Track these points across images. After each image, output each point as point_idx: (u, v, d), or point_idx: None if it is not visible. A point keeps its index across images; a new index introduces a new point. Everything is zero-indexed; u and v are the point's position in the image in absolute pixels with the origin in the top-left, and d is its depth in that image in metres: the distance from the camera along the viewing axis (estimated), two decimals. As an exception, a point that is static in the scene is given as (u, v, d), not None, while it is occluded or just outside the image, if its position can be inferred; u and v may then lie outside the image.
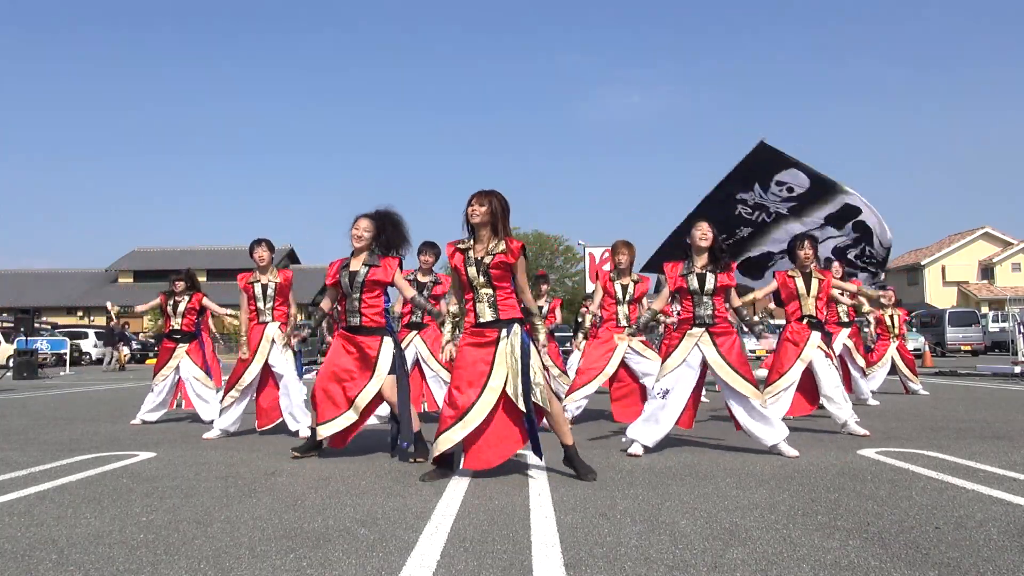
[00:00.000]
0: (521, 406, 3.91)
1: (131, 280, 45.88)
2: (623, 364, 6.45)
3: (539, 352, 4.06)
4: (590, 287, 20.71)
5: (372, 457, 4.80)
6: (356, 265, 4.76)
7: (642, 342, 6.44)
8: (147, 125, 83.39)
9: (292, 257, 47.24)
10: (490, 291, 3.98)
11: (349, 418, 4.74)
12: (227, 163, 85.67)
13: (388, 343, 4.78)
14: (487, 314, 3.99)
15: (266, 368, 6.10)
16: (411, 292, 4.96)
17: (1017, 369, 13.34)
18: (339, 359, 4.78)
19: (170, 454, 5.03)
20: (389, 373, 4.75)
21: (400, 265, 4.90)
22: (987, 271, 41.81)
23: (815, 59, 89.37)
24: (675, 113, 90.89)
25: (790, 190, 10.79)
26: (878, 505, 3.26)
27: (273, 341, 6.07)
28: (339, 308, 4.94)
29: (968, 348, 27.02)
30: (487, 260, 3.97)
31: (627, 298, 6.48)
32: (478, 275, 3.97)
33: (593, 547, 2.65)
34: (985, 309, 35.29)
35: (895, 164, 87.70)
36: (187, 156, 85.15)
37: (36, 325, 24.44)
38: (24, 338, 19.01)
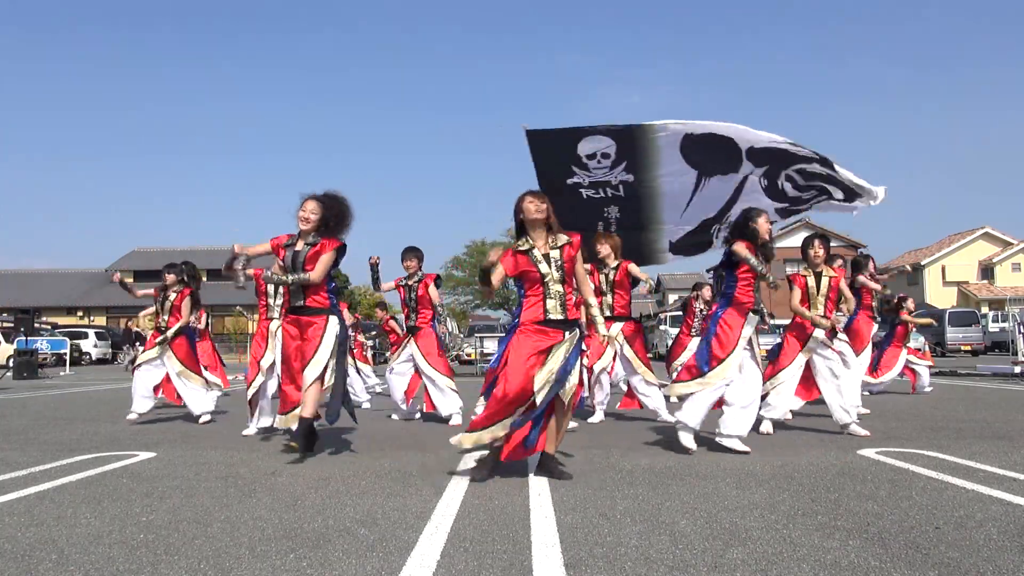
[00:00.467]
0: (538, 400, 3.86)
1: (131, 280, 45.69)
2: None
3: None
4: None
5: (372, 457, 4.81)
6: (299, 245, 4.78)
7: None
8: (147, 125, 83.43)
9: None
10: (561, 288, 3.96)
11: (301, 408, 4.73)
12: (227, 163, 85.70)
13: (333, 322, 4.77)
14: (557, 312, 3.94)
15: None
16: (318, 276, 4.69)
17: (1017, 369, 13.34)
18: (285, 352, 4.88)
19: (170, 454, 5.02)
20: (331, 355, 4.71)
21: (342, 250, 4.84)
22: (987, 271, 41.80)
23: (815, 59, 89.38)
24: (675, 113, 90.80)
25: (605, 155, 10.67)
26: (878, 505, 3.26)
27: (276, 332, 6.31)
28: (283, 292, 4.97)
29: (968, 348, 27.00)
30: (555, 254, 3.97)
31: (610, 287, 6.60)
32: (551, 270, 3.94)
33: (593, 547, 2.65)
34: (985, 309, 35.28)
35: (895, 164, 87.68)
36: (187, 156, 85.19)
37: (36, 325, 24.44)
38: (24, 338, 19.01)
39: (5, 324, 23.30)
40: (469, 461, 4.53)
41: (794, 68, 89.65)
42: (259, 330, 6.75)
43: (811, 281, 5.96)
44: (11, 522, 3.13)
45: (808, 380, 6.17)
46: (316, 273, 4.69)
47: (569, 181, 10.36)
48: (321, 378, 4.72)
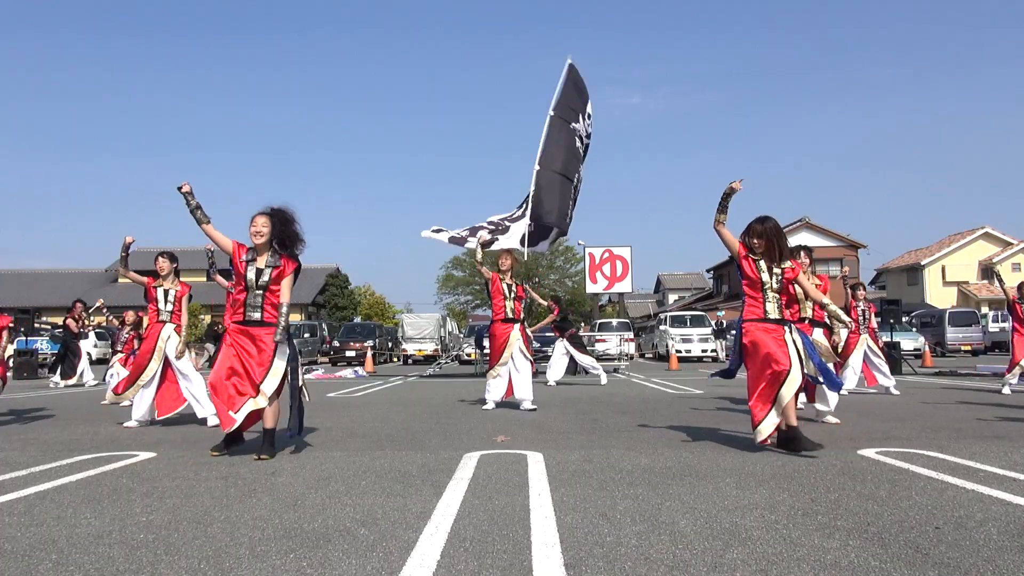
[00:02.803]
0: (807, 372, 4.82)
1: (131, 280, 45.84)
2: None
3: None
4: (590, 287, 20.82)
5: (372, 457, 4.81)
6: (261, 263, 4.90)
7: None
8: (147, 125, 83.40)
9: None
10: (778, 295, 4.89)
11: (257, 403, 4.83)
12: (227, 163, 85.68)
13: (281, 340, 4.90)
14: (774, 312, 4.87)
15: (166, 362, 6.88)
16: (286, 298, 4.94)
17: (1017, 369, 13.30)
18: (231, 359, 4.86)
19: (170, 454, 5.02)
20: (287, 364, 4.89)
21: (298, 269, 5.02)
22: (987, 271, 41.80)
23: (815, 59, 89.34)
24: (675, 114, 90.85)
25: (589, 124, 12.35)
26: (878, 505, 3.26)
27: (168, 338, 6.86)
28: (236, 299, 4.97)
29: (968, 348, 27.00)
30: (777, 271, 4.90)
31: (513, 295, 8.05)
32: (771, 280, 4.88)
33: (593, 547, 2.65)
34: (985, 309, 35.29)
35: (895, 164, 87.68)
36: (187, 156, 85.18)
37: (36, 325, 24.43)
38: (24, 338, 19.01)
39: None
40: (469, 461, 4.53)
41: (794, 68, 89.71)
42: (150, 334, 6.92)
43: (797, 287, 6.20)
44: (11, 522, 3.13)
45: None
46: (286, 296, 4.94)
47: (573, 125, 11.79)
48: (279, 390, 4.90)
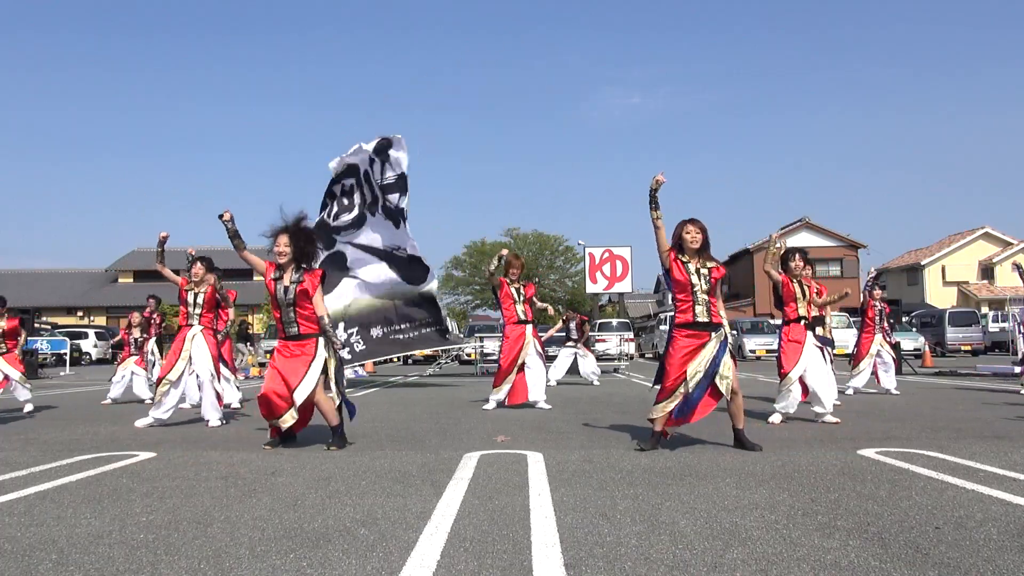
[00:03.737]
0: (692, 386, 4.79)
1: (131, 280, 45.87)
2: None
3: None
4: (590, 287, 20.84)
5: (372, 457, 4.81)
6: (287, 280, 5.20)
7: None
8: (147, 125, 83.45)
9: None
10: (707, 297, 4.84)
11: (293, 415, 5.13)
12: (227, 163, 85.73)
13: (321, 344, 5.21)
14: (703, 315, 4.83)
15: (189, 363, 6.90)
16: (322, 311, 5.24)
17: (1017, 369, 13.32)
18: (281, 364, 5.17)
19: (170, 454, 5.03)
20: (323, 371, 5.19)
21: (323, 277, 5.37)
22: (987, 271, 41.79)
23: (815, 59, 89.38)
24: (675, 114, 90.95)
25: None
26: (878, 505, 3.26)
27: (194, 338, 6.91)
28: (275, 318, 5.29)
29: (968, 348, 26.99)
30: (704, 272, 4.86)
31: (522, 298, 8.10)
32: (700, 282, 4.84)
33: (593, 547, 2.65)
34: (985, 309, 35.28)
35: (895, 164, 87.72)
36: (188, 156, 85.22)
37: (36, 325, 24.44)
38: (24, 338, 18.99)
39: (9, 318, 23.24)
40: (469, 461, 4.53)
41: (794, 68, 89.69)
42: (179, 336, 7.03)
43: (796, 287, 6.53)
44: (11, 522, 3.13)
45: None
46: (321, 309, 5.22)
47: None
48: (321, 388, 5.19)
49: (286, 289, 5.16)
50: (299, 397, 5.08)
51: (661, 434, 4.97)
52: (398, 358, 27.38)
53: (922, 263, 42.25)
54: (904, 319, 27.12)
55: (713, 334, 4.83)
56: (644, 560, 2.49)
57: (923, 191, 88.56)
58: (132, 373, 10.06)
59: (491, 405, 8.11)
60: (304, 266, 5.30)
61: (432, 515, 3.15)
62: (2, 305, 8.78)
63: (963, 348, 27.01)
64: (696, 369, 4.78)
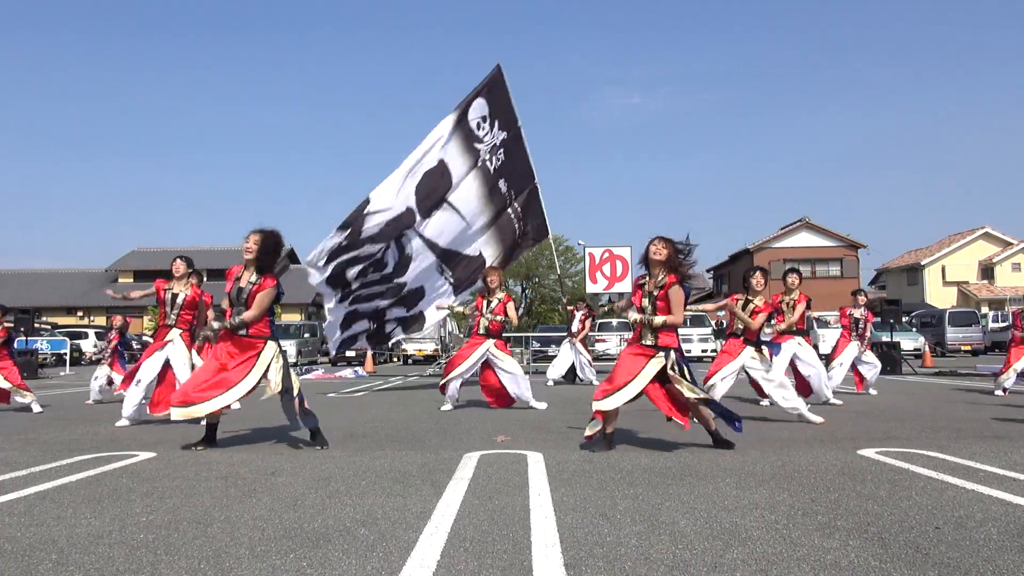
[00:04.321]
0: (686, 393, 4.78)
1: (131, 280, 45.85)
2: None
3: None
4: (590, 287, 20.79)
5: (372, 457, 4.81)
6: (244, 281, 5.19)
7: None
8: (147, 125, 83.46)
9: (292, 257, 47.23)
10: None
11: (222, 400, 5.01)
12: (227, 163, 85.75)
13: (271, 347, 5.17)
14: (648, 338, 4.86)
15: (166, 364, 6.92)
16: (252, 316, 5.11)
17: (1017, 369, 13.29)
18: (216, 359, 5.13)
19: (170, 454, 5.02)
20: (263, 376, 5.10)
21: (278, 287, 5.25)
22: (987, 271, 41.79)
23: (815, 59, 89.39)
24: (675, 114, 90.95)
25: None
26: (878, 505, 3.26)
27: (172, 341, 6.91)
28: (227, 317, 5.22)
29: (968, 348, 26.98)
30: (655, 292, 4.84)
31: (490, 311, 8.11)
32: (648, 304, 4.84)
33: (593, 547, 2.65)
34: (985, 309, 35.28)
35: (895, 164, 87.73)
36: (188, 156, 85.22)
37: (36, 325, 24.42)
38: (24, 338, 19.01)
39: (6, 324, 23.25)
40: (469, 461, 4.53)
41: (794, 68, 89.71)
42: (157, 336, 7.09)
43: (738, 307, 6.65)
44: (11, 522, 3.13)
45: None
46: (251, 313, 5.10)
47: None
48: (289, 390, 5.13)
49: (240, 289, 5.15)
50: (238, 392, 5.03)
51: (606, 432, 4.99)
52: (398, 358, 27.42)
53: (922, 263, 42.25)
54: (904, 319, 27.10)
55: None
56: (644, 560, 2.49)
57: (923, 191, 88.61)
58: (107, 376, 9.93)
59: (448, 406, 8.09)
60: (263, 271, 5.23)
61: (432, 515, 3.15)
62: (2, 312, 8.70)
63: (963, 348, 27.00)
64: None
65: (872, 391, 9.62)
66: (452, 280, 12.37)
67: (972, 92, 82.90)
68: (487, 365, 8.17)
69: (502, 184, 12.22)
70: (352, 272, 11.15)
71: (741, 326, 6.59)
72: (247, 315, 5.08)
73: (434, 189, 11.48)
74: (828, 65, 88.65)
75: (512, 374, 8.07)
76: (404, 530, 2.91)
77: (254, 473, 4.25)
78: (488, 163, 11.98)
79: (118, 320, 10.54)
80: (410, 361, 25.56)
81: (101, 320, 41.05)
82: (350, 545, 2.71)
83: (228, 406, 5.13)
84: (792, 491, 3.58)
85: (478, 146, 11.79)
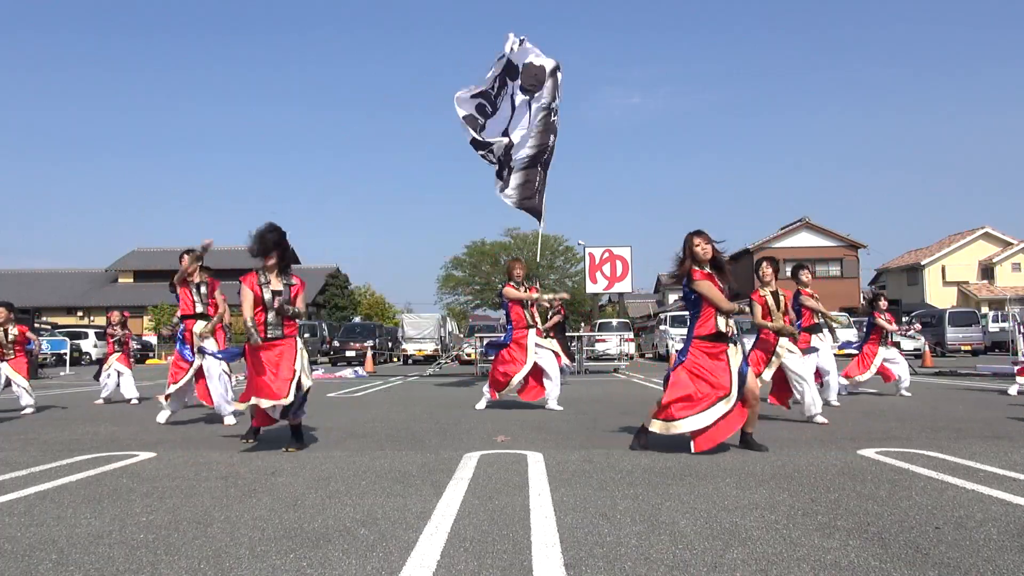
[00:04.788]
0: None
1: (131, 280, 45.89)
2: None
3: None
4: (590, 287, 20.80)
5: (372, 457, 4.81)
6: (277, 284, 5.28)
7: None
8: (147, 125, 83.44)
9: (293, 257, 47.25)
10: None
11: (284, 402, 5.10)
12: (227, 163, 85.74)
13: (299, 344, 5.34)
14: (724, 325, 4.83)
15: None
16: (301, 306, 5.46)
17: (1016, 369, 13.30)
18: (262, 362, 5.17)
19: (170, 454, 5.02)
20: (302, 369, 5.22)
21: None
22: (987, 271, 41.78)
23: (815, 59, 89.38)
24: (675, 114, 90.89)
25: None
26: (878, 505, 3.26)
27: (200, 332, 6.97)
28: (258, 320, 5.22)
29: (968, 348, 26.97)
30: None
31: (529, 302, 7.91)
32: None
33: (593, 547, 2.65)
34: (985, 309, 35.26)
35: (895, 164, 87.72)
36: (188, 156, 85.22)
37: (36, 325, 24.40)
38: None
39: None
40: (469, 461, 4.53)
41: (794, 68, 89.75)
42: (187, 331, 7.05)
43: (770, 300, 6.60)
44: (11, 522, 3.13)
45: (781, 385, 6.96)
46: (302, 308, 5.50)
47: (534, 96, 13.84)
48: (299, 386, 5.21)
49: (276, 293, 5.23)
50: (287, 388, 5.08)
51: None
52: (398, 358, 27.41)
53: (922, 263, 42.24)
54: (904, 319, 27.11)
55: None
56: (644, 560, 2.49)
57: (923, 191, 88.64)
58: (117, 372, 10.04)
59: (481, 405, 8.09)
60: (289, 272, 5.41)
61: (432, 515, 3.15)
62: (9, 310, 8.72)
63: (963, 348, 26.98)
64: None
65: (905, 391, 9.27)
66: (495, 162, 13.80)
67: (972, 92, 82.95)
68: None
69: (536, 141, 13.68)
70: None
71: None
72: (301, 310, 5.42)
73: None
74: (828, 65, 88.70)
75: (553, 374, 7.89)
76: (404, 530, 2.91)
77: (254, 473, 4.25)
78: (535, 114, 13.61)
79: (116, 315, 10.53)
80: (410, 361, 25.56)
81: (101, 320, 41.04)
82: (350, 545, 2.71)
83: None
84: (792, 491, 3.58)
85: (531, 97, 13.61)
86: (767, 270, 6.56)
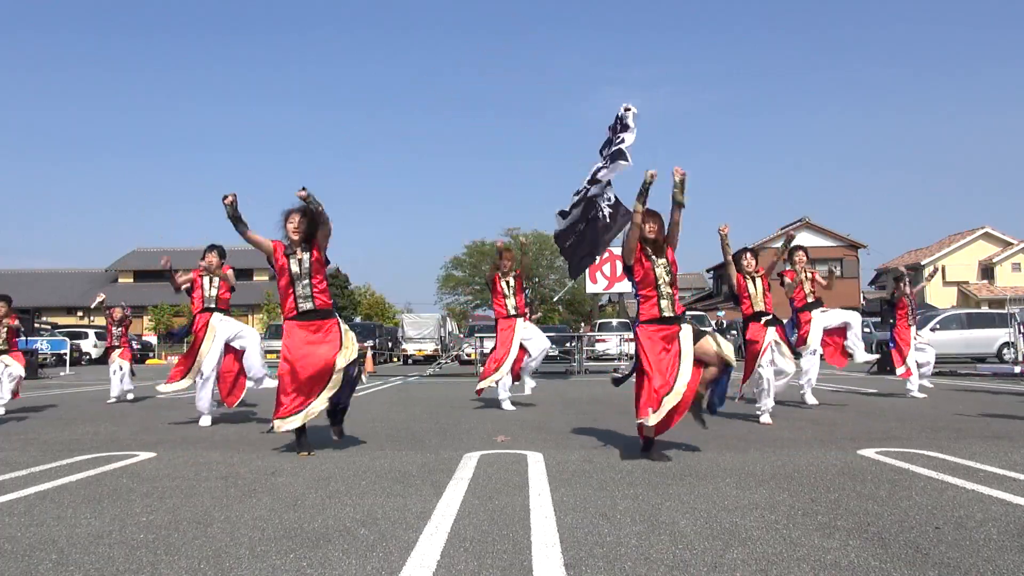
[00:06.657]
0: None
1: (131, 280, 45.90)
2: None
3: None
4: (590, 287, 20.79)
5: (372, 457, 4.81)
6: (300, 254, 5.00)
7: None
8: (147, 125, 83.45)
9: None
10: (670, 290, 4.72)
11: (315, 407, 4.89)
12: (227, 163, 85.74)
13: (340, 321, 5.08)
14: (669, 310, 4.69)
15: (226, 348, 6.84)
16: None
17: (1017, 369, 13.34)
18: (299, 354, 4.87)
19: (170, 454, 5.02)
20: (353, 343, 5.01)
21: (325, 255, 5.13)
22: (987, 271, 41.76)
23: (815, 59, 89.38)
24: (675, 114, 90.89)
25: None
26: (878, 505, 3.26)
27: (220, 323, 6.84)
28: (288, 297, 5.00)
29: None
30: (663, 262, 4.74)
31: (512, 291, 7.99)
32: (665, 275, 4.71)
33: (593, 547, 2.65)
34: (985, 309, 35.24)
35: (895, 164, 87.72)
36: (188, 156, 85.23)
37: (36, 325, 24.44)
38: (24, 338, 19.00)
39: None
40: (469, 461, 4.53)
41: (794, 68, 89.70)
42: (198, 324, 6.88)
43: (750, 284, 6.91)
44: (11, 522, 3.13)
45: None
46: (323, 258, 5.10)
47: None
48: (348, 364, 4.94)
49: (300, 261, 4.97)
50: (341, 362, 4.86)
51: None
52: (398, 358, 27.41)
53: (922, 263, 42.22)
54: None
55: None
56: (644, 560, 2.49)
57: (923, 191, 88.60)
58: (120, 368, 10.05)
59: (508, 405, 8.03)
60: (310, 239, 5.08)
61: (432, 515, 3.15)
62: (8, 303, 8.72)
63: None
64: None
65: (914, 391, 8.89)
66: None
67: (972, 92, 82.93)
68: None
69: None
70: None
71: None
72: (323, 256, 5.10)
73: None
74: (828, 65, 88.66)
75: (536, 344, 8.24)
76: (404, 530, 2.91)
77: (254, 473, 4.25)
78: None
79: (119, 312, 10.53)
80: (410, 361, 25.56)
81: (101, 320, 41.01)
82: (350, 545, 2.71)
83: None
84: (792, 491, 3.58)
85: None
86: (751, 259, 6.90)
